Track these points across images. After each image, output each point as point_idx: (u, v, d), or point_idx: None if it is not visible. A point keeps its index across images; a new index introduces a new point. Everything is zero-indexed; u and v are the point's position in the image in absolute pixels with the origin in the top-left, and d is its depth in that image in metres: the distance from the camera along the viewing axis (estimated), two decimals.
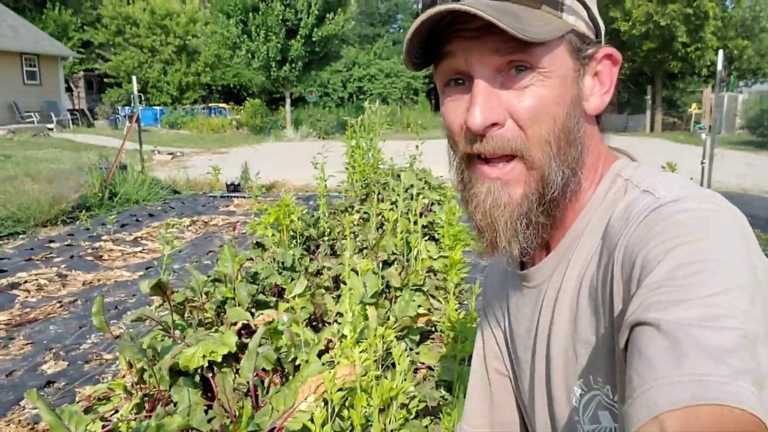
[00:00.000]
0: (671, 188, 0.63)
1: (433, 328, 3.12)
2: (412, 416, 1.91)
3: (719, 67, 7.46)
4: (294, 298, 2.79)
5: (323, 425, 1.53)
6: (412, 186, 5.26)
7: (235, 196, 8.69)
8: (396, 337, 2.45)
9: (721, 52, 7.50)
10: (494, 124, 0.66)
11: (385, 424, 1.73)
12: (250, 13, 20.76)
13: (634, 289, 0.54)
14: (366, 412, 1.79)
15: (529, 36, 0.61)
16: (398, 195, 4.65)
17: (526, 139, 0.67)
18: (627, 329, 0.51)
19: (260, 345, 2.06)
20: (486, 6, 0.62)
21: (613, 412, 0.66)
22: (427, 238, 4.22)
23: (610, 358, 0.64)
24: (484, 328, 0.97)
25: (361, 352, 1.92)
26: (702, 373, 0.42)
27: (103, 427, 2.01)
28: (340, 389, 1.61)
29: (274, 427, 1.59)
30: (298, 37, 21.05)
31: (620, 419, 0.47)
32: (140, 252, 5.46)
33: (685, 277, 0.50)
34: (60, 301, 3.97)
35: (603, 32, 0.73)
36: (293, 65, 21.66)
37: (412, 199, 4.99)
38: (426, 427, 2.02)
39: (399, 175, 5.88)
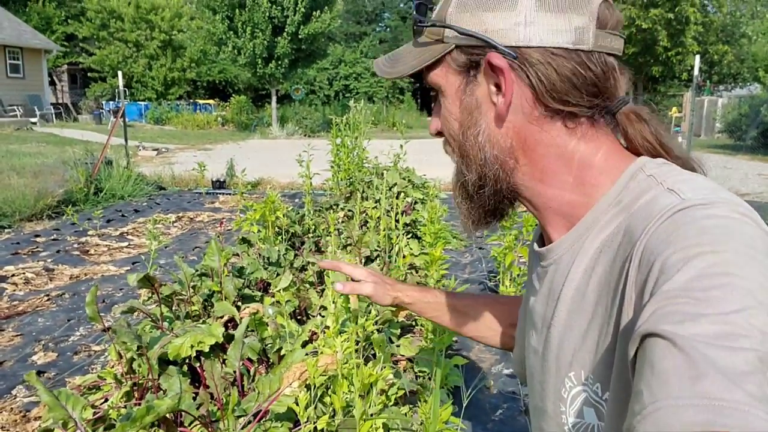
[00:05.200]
0: (698, 190, 0.61)
1: (413, 323, 3.23)
2: (391, 402, 2.02)
3: (696, 71, 7.67)
4: (279, 291, 2.88)
5: (306, 407, 1.64)
6: (395, 185, 5.37)
7: (220, 193, 8.75)
8: (377, 330, 2.55)
9: (697, 57, 7.72)
10: (439, 133, 0.82)
11: (365, 409, 1.83)
12: (237, 10, 20.74)
13: (649, 294, 0.53)
14: (347, 397, 1.89)
15: (388, 75, 0.80)
16: (382, 193, 4.76)
17: (450, 143, 0.81)
18: (638, 337, 0.49)
19: (246, 336, 2.15)
20: (382, 58, 0.84)
21: (598, 410, 0.66)
22: (410, 236, 4.33)
23: (608, 356, 0.64)
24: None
25: (343, 341, 2.03)
26: (717, 397, 0.42)
27: (94, 414, 2.08)
28: (322, 375, 1.71)
29: (260, 410, 1.69)
30: (285, 34, 21.08)
31: (624, 429, 0.47)
32: (126, 247, 5.52)
33: (703, 289, 0.48)
34: (47, 295, 4.03)
35: (520, 37, 0.67)
36: (279, 62, 21.68)
37: (396, 197, 5.10)
38: (404, 414, 2.12)
39: (383, 174, 5.98)
